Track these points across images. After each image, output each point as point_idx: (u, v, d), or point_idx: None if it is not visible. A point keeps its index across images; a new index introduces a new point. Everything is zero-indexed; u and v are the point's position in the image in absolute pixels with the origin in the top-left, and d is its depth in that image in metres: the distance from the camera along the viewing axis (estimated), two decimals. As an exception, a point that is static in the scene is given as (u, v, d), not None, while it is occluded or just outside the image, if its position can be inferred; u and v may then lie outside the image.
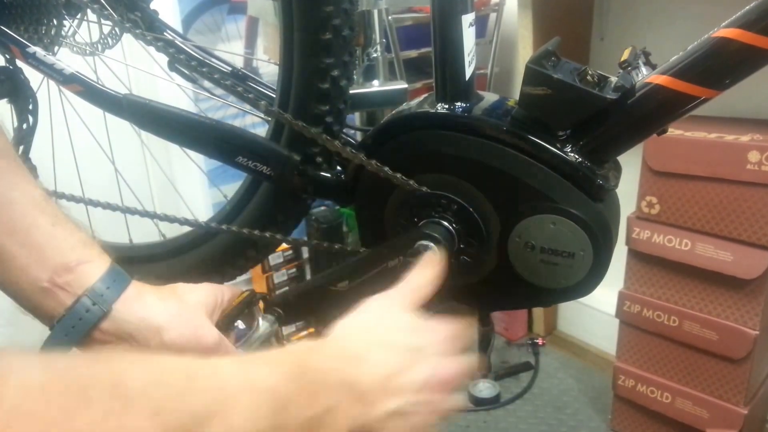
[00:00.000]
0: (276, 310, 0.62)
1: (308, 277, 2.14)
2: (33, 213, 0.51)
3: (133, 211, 0.73)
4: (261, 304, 0.63)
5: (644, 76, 0.54)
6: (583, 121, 0.55)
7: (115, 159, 0.98)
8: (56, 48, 0.86)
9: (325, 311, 0.62)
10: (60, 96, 0.88)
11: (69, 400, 0.30)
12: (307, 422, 0.39)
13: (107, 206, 0.72)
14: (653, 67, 0.56)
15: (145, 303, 0.53)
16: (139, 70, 0.95)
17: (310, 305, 0.64)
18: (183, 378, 0.35)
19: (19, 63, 0.78)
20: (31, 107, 0.83)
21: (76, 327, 0.50)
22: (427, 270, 0.55)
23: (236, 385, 0.37)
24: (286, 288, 2.07)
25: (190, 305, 0.55)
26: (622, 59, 0.55)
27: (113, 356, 0.35)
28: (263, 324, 0.61)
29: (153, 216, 0.73)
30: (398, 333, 0.48)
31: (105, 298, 0.51)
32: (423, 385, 0.45)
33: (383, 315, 0.50)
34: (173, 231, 0.87)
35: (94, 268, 0.51)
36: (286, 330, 1.96)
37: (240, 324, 0.60)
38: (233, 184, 0.85)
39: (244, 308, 0.61)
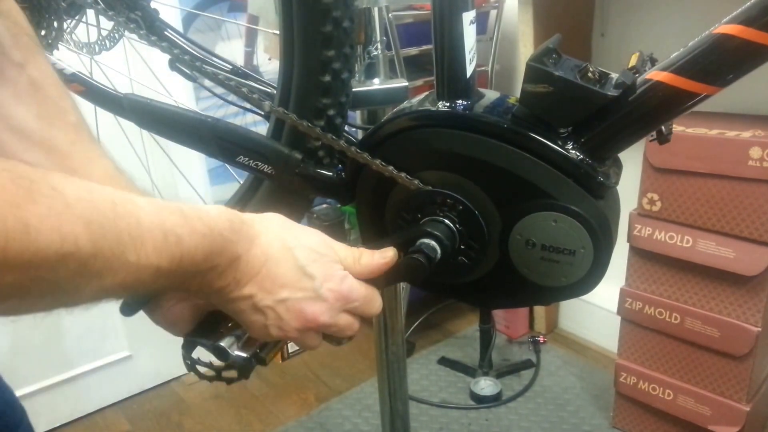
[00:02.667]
0: None
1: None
2: (106, 183, 0.55)
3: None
4: None
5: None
6: (585, 118, 0.55)
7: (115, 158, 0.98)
8: (54, 50, 0.86)
9: None
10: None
11: (19, 192, 0.33)
12: (193, 273, 0.44)
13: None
14: None
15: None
16: (121, 73, 0.94)
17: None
18: (109, 203, 0.38)
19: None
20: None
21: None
22: (379, 254, 0.57)
23: (151, 223, 0.40)
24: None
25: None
26: (630, 65, 0.55)
27: (47, 171, 0.37)
28: None
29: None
30: (306, 254, 0.51)
31: None
32: (286, 302, 0.49)
33: (311, 236, 0.53)
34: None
35: None
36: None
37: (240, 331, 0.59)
38: (234, 183, 0.85)
39: None
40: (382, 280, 0.57)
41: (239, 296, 0.48)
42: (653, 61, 0.56)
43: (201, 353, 0.57)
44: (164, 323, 0.58)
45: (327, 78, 0.65)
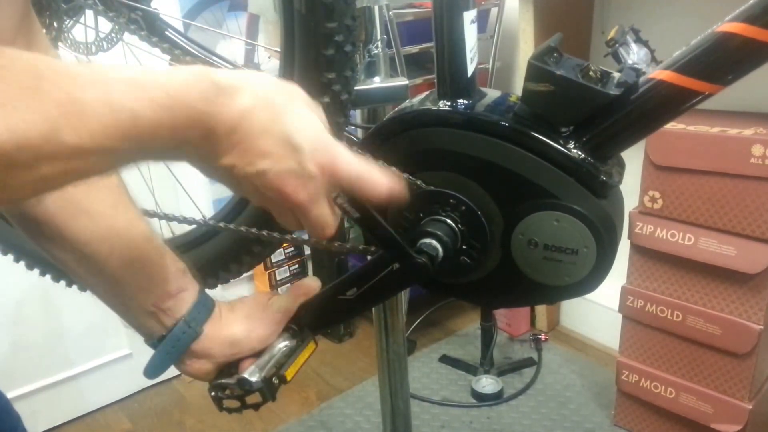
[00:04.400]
0: (291, 327, 0.63)
1: (310, 273, 2.15)
2: (145, 246, 0.58)
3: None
4: None
5: (634, 53, 0.54)
6: (587, 117, 0.55)
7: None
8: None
9: (338, 320, 0.62)
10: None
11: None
12: (160, 149, 0.39)
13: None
14: (644, 43, 0.55)
15: (227, 322, 0.61)
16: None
17: (322, 318, 0.64)
18: (31, 77, 0.33)
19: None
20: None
21: (175, 347, 0.58)
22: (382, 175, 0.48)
23: (92, 97, 0.35)
24: (288, 285, 2.07)
25: (258, 312, 0.62)
26: (609, 37, 0.55)
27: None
28: (280, 343, 0.62)
29: (161, 217, 0.73)
30: (294, 124, 0.43)
31: (197, 321, 0.59)
32: (265, 173, 0.43)
33: (306, 111, 0.45)
34: (175, 229, 0.87)
35: (189, 295, 0.59)
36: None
37: None
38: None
39: None
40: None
41: (218, 166, 0.42)
42: (636, 32, 0.56)
43: None
44: (189, 374, 0.61)
45: (330, 51, 0.63)
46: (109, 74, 0.36)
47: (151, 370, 0.59)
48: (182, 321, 0.58)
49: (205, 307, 0.60)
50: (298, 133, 0.43)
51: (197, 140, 0.40)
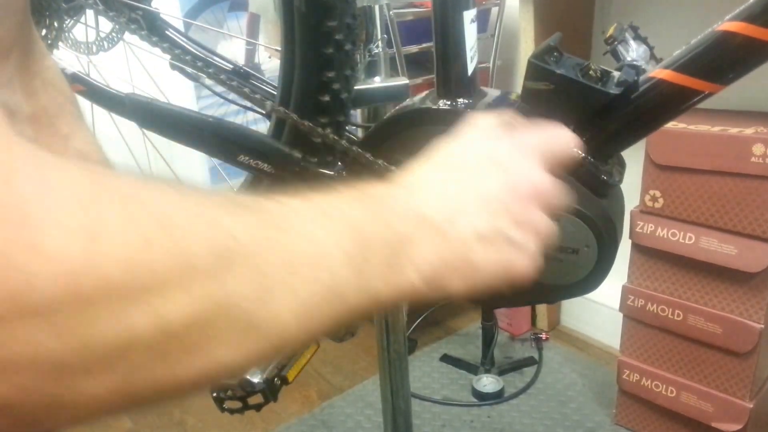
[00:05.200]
0: None
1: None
2: None
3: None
4: None
5: (633, 50, 0.54)
6: (587, 116, 0.55)
7: (116, 158, 0.98)
8: (54, 50, 0.86)
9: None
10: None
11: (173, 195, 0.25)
12: (386, 258, 0.33)
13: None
14: (643, 40, 0.55)
15: None
16: (116, 74, 0.94)
17: None
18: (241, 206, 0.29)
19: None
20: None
21: None
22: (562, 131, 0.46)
23: (302, 210, 0.31)
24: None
25: None
26: (608, 35, 0.55)
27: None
28: None
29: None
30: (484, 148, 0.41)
31: None
32: (508, 200, 0.38)
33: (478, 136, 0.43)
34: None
35: None
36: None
37: None
38: (237, 181, 0.84)
39: None
40: None
41: (464, 241, 0.37)
42: (634, 29, 0.56)
43: None
44: None
45: (330, 50, 0.63)
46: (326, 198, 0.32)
47: None
48: None
49: None
50: (496, 155, 0.41)
51: (420, 231, 0.36)
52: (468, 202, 0.38)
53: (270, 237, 0.27)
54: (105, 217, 0.22)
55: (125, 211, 0.22)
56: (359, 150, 0.62)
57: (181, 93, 1.69)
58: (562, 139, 0.45)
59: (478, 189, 0.39)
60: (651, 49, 0.56)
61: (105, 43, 0.88)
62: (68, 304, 0.20)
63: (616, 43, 0.53)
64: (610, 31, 0.55)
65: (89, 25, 0.89)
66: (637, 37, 0.55)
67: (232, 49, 1.90)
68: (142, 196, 0.24)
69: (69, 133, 0.53)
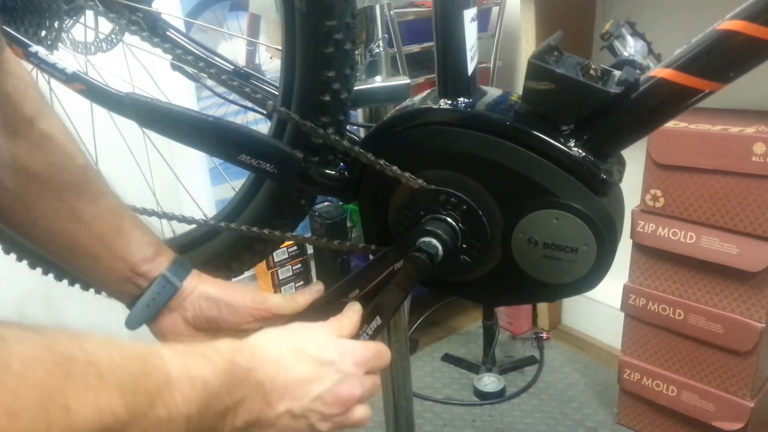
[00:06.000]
0: None
1: (313, 272, 2.15)
2: (116, 221, 0.61)
3: (141, 212, 0.73)
4: None
5: (630, 45, 0.54)
6: (587, 115, 0.55)
7: (116, 158, 0.98)
8: (54, 50, 0.86)
9: None
10: (50, 95, 0.88)
11: (60, 372, 0.33)
12: (222, 412, 0.44)
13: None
14: (640, 36, 0.55)
15: (204, 281, 0.64)
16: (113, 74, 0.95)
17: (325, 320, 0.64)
18: (139, 362, 0.39)
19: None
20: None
21: (152, 302, 0.62)
22: (351, 314, 0.61)
23: (177, 372, 0.41)
24: (292, 291, 2.08)
25: (240, 287, 0.66)
26: (604, 30, 0.55)
27: (81, 335, 0.37)
28: None
29: (161, 216, 0.73)
30: (313, 346, 0.53)
31: (176, 278, 0.62)
32: (321, 396, 0.51)
33: (304, 330, 0.56)
34: (176, 228, 0.87)
35: (165, 259, 0.63)
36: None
37: None
38: (237, 183, 0.85)
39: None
40: (394, 301, 0.60)
41: (277, 415, 0.49)
42: (632, 25, 0.56)
43: None
44: (161, 333, 0.64)
45: (330, 50, 0.63)
46: (184, 351, 0.43)
47: (131, 323, 0.63)
48: (161, 276, 0.62)
49: (182, 267, 0.63)
50: (324, 352, 0.53)
51: (250, 394, 0.47)
52: (298, 388, 0.50)
53: (147, 415, 0.37)
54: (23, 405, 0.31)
55: (41, 401, 0.31)
56: (361, 150, 0.62)
57: (182, 93, 1.69)
58: (382, 357, 0.57)
59: (311, 383, 0.51)
60: (649, 44, 0.56)
61: (104, 44, 0.88)
62: None
63: (612, 38, 0.53)
64: (607, 26, 0.55)
65: (88, 26, 0.89)
66: (635, 33, 0.55)
67: (232, 50, 1.90)
68: (57, 387, 0.33)
69: (33, 116, 0.58)
